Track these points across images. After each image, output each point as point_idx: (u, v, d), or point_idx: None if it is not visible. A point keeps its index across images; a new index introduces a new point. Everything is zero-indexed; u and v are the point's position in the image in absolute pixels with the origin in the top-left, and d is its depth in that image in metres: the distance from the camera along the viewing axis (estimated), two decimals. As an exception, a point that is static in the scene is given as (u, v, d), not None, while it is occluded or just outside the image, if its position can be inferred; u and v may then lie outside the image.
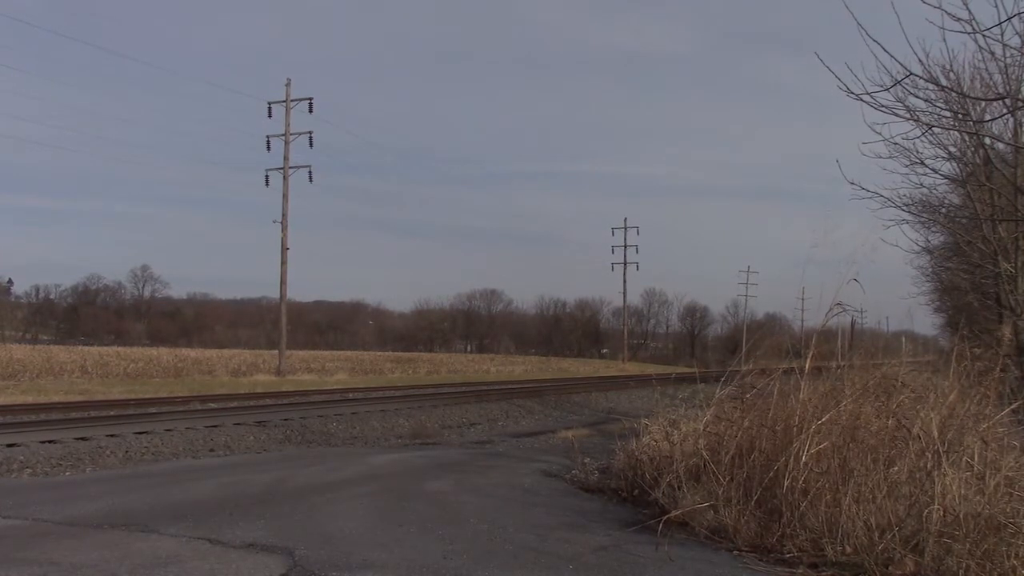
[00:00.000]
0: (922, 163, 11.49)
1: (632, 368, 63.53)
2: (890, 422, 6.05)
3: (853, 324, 8.49)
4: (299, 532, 5.85)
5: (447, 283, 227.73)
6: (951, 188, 13.20)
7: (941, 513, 4.97)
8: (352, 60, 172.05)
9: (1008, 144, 10.48)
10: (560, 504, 7.22)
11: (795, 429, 6.04)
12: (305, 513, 6.53)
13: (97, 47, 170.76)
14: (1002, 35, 6.46)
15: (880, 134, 7.47)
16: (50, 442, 11.97)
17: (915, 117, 7.63)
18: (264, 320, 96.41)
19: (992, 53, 8.23)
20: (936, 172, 11.98)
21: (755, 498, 5.84)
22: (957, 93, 8.49)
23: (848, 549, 5.15)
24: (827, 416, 5.96)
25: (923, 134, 8.68)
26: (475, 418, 19.27)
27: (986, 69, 9.18)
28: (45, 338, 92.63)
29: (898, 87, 6.64)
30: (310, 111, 37.12)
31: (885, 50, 5.99)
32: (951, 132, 10.67)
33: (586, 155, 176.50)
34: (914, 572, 4.82)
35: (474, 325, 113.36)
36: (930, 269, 19.81)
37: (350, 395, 24.02)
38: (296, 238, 50.56)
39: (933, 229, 15.55)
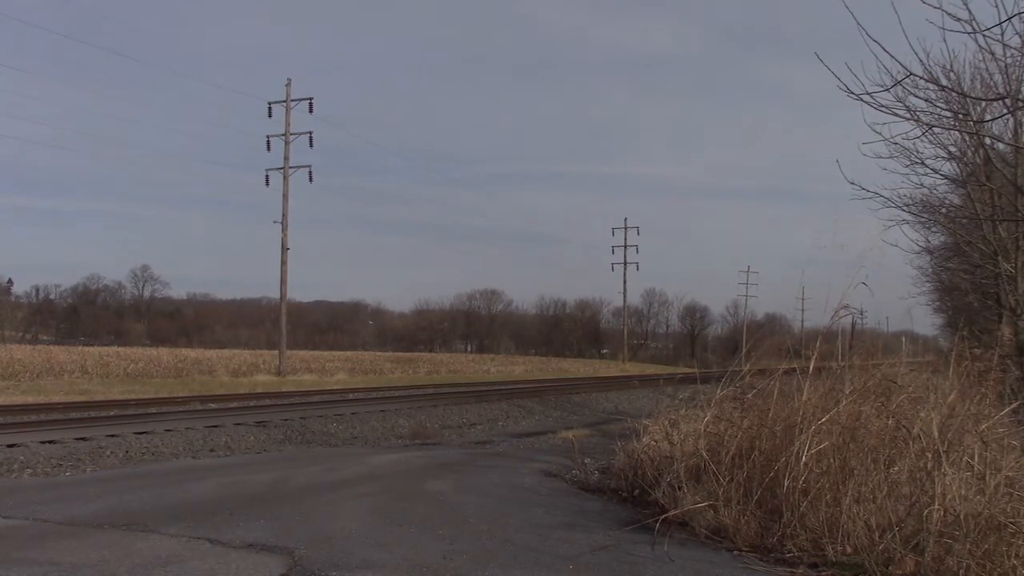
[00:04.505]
0: (922, 163, 11.52)
1: (632, 368, 63.55)
2: (890, 422, 6.06)
3: (854, 324, 8.49)
4: (299, 532, 5.84)
5: (447, 283, 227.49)
6: (951, 188, 13.21)
7: (941, 513, 4.97)
8: (353, 60, 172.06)
9: (1008, 144, 10.48)
10: (560, 504, 7.22)
11: (795, 429, 6.04)
12: (305, 513, 6.53)
13: (97, 47, 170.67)
14: (1002, 35, 6.45)
15: (880, 134, 7.47)
16: (50, 442, 11.97)
17: (915, 117, 7.62)
18: (264, 320, 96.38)
19: (992, 53, 8.24)
20: (936, 172, 12.01)
21: (755, 498, 5.84)
22: (957, 93, 8.49)
23: (848, 549, 5.15)
24: (827, 416, 5.96)
25: (923, 134, 8.68)
26: (475, 418, 19.28)
27: (986, 69, 9.21)
28: (45, 338, 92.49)
29: (898, 87, 6.64)
30: (310, 111, 37.19)
31: (885, 50, 5.99)
32: (951, 132, 10.68)
33: (587, 155, 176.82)
34: (914, 572, 4.83)
35: (474, 325, 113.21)
36: (930, 269, 19.83)
37: (350, 395, 24.01)
38: (296, 238, 50.69)
39: (933, 229, 15.57)
